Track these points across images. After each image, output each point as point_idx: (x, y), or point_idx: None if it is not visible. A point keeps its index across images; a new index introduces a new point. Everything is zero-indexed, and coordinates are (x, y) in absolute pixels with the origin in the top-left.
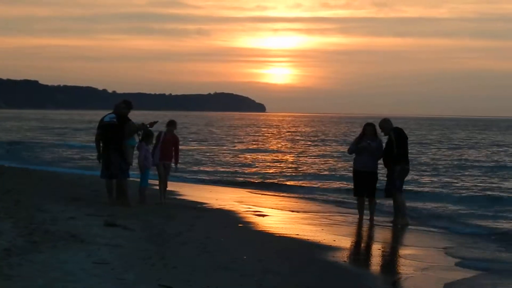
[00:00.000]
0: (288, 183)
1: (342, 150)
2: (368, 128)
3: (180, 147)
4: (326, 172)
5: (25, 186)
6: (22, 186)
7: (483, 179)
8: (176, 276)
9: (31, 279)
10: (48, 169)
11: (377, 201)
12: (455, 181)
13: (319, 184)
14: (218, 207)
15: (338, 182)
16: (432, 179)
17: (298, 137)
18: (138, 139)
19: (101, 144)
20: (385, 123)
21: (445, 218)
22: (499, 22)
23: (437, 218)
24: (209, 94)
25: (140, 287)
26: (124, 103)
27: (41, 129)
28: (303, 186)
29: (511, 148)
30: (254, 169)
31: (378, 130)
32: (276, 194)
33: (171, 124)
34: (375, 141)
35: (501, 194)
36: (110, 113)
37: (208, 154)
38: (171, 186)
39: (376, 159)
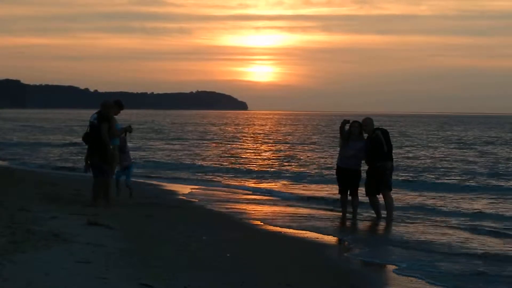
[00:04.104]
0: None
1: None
2: (355, 125)
3: None
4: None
5: (6, 185)
6: (3, 186)
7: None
8: (157, 275)
9: (13, 279)
10: (29, 169)
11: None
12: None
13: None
14: (199, 205)
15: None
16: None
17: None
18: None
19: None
20: (370, 122)
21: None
22: (480, 19)
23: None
24: (191, 92)
25: (122, 286)
26: (115, 103)
27: None
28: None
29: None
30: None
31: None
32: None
33: None
34: (361, 140)
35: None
36: (95, 113)
37: None
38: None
39: (360, 157)
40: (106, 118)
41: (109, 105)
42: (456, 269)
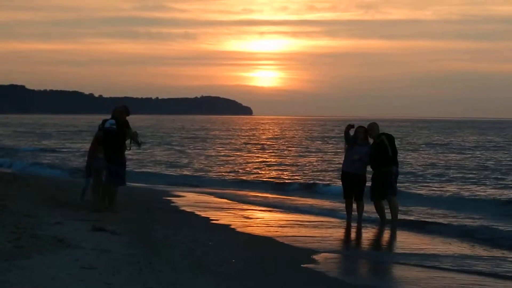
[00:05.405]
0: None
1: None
2: (360, 130)
3: None
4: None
5: (11, 190)
6: (8, 191)
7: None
8: (163, 280)
9: (19, 284)
10: (34, 174)
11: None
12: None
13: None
14: (203, 211)
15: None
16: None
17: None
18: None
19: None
20: (375, 127)
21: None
22: (484, 23)
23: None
24: (196, 97)
25: None
26: (124, 107)
27: None
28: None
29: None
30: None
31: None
32: (258, 197)
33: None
34: (366, 145)
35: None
36: (109, 119)
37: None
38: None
39: (365, 162)
40: (127, 124)
41: (122, 110)
42: (457, 277)
